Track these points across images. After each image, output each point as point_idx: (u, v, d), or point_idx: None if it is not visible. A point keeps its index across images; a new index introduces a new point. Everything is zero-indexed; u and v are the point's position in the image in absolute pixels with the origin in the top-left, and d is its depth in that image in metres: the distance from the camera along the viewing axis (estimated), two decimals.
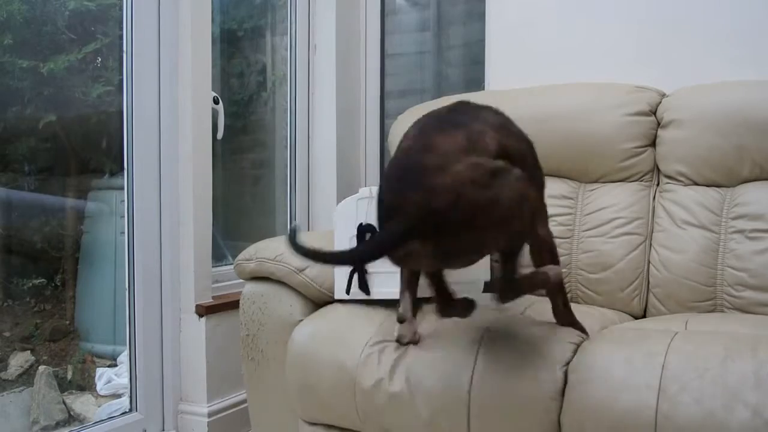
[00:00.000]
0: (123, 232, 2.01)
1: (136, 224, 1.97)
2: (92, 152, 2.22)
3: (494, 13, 2.34)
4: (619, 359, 1.21)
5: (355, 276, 1.51)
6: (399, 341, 1.39)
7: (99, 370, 2.18)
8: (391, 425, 1.38)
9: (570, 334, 1.34)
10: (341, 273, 1.56)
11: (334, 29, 2.55)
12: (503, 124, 1.29)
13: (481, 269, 1.50)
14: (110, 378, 2.15)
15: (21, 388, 2.03)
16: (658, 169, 1.84)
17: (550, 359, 1.26)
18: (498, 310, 1.56)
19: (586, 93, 1.93)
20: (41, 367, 2.06)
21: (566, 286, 1.81)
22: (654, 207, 1.80)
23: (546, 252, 1.31)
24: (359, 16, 2.68)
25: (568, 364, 1.25)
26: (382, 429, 1.40)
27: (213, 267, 2.12)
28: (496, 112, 1.30)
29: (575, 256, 1.79)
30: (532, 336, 1.34)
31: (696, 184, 1.77)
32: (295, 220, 2.58)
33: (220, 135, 2.18)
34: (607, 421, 1.13)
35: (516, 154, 1.21)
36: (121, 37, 1.97)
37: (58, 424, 2.02)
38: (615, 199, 1.81)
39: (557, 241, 1.79)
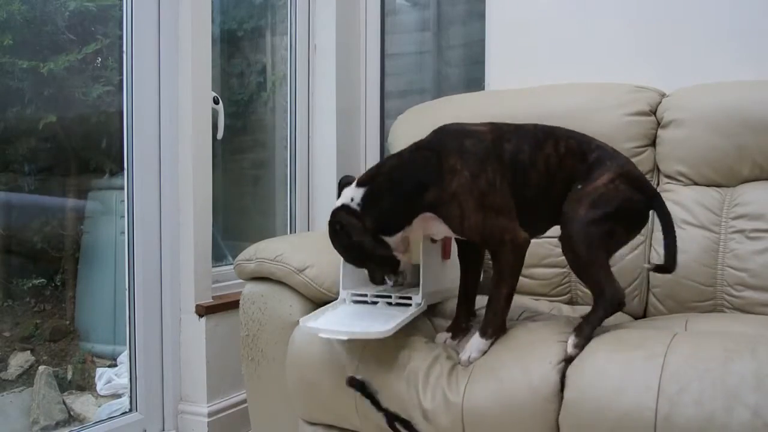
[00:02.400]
0: (123, 232, 2.01)
1: (136, 224, 1.97)
2: (92, 152, 2.22)
3: (494, 13, 2.34)
4: (619, 360, 1.21)
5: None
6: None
7: (99, 370, 2.18)
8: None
9: (563, 335, 1.33)
10: (335, 315, 1.50)
11: (334, 29, 2.55)
12: None
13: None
14: (110, 378, 2.15)
15: (21, 388, 2.03)
16: (658, 169, 1.84)
17: (543, 360, 1.25)
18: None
19: (586, 93, 1.93)
20: (41, 367, 2.06)
21: (566, 286, 1.82)
22: None
23: None
24: (359, 16, 2.68)
25: (561, 363, 1.25)
26: (381, 429, 1.40)
27: (213, 267, 2.12)
28: None
29: None
30: (525, 338, 1.34)
31: (696, 184, 1.77)
32: (295, 220, 2.58)
33: (220, 135, 2.18)
34: (606, 423, 1.13)
35: None
36: (121, 37, 1.97)
37: (58, 424, 2.02)
38: None
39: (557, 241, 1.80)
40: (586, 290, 1.78)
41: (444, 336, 1.45)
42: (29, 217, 2.11)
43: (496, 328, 1.35)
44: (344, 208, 1.39)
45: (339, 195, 1.43)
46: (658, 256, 1.72)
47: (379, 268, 1.41)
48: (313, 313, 1.52)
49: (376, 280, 1.43)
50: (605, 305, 1.29)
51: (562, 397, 1.21)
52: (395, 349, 1.39)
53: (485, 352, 1.33)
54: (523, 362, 1.26)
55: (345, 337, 1.36)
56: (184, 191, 2.00)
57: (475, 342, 1.35)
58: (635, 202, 1.35)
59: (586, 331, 1.26)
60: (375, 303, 1.52)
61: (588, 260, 1.30)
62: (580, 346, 1.24)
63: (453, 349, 1.41)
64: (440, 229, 1.38)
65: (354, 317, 1.45)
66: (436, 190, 1.31)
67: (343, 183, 1.46)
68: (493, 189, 1.31)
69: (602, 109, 1.85)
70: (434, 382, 1.32)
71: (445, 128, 1.40)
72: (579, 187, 1.34)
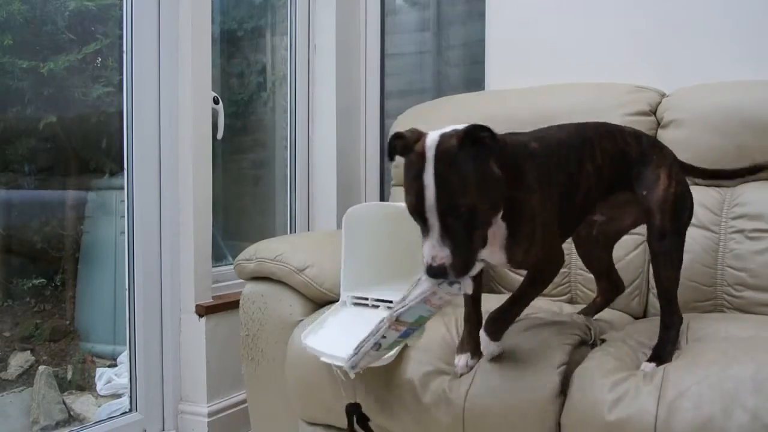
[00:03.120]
0: (123, 232, 2.01)
1: (136, 224, 1.97)
2: (92, 152, 2.22)
3: (494, 13, 2.34)
4: (620, 364, 1.22)
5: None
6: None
7: (99, 370, 2.18)
8: (390, 425, 1.39)
9: (565, 336, 1.34)
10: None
11: (334, 29, 2.55)
12: None
13: None
14: (110, 378, 2.15)
15: (21, 388, 2.03)
16: None
17: (545, 362, 1.26)
18: None
19: (586, 93, 1.93)
20: (41, 367, 2.06)
21: (566, 286, 1.82)
22: None
23: None
24: (359, 16, 2.68)
25: (563, 365, 1.25)
26: (381, 428, 1.40)
27: (213, 267, 2.12)
28: None
29: (575, 256, 1.78)
30: (528, 339, 1.34)
31: (696, 183, 1.76)
32: (295, 220, 2.58)
33: (220, 135, 2.18)
34: (607, 426, 1.13)
35: None
36: (121, 37, 1.97)
37: (58, 424, 2.02)
38: None
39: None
40: (586, 290, 1.78)
41: (464, 360, 1.31)
42: (29, 217, 2.11)
43: (502, 332, 1.28)
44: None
45: (390, 154, 1.12)
46: None
47: (479, 228, 1.07)
48: (314, 323, 1.52)
49: (467, 255, 1.05)
50: (677, 328, 1.31)
51: (563, 400, 1.22)
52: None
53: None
54: (525, 364, 1.27)
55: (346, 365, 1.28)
56: (184, 191, 2.00)
57: (488, 345, 1.27)
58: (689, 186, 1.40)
59: (666, 357, 1.25)
60: (376, 307, 1.52)
61: (674, 282, 1.33)
62: (662, 363, 1.23)
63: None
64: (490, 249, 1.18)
65: (355, 330, 1.40)
66: (518, 193, 1.15)
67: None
68: (554, 215, 1.23)
69: (602, 109, 1.85)
70: (436, 381, 1.32)
71: (512, 143, 1.19)
72: (644, 193, 1.32)
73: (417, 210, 1.04)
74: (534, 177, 1.18)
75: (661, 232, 1.30)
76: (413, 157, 1.06)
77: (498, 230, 1.15)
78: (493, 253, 1.18)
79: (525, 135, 1.27)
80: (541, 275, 1.27)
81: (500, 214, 1.12)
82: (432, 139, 1.05)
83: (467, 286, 1.08)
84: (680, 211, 1.34)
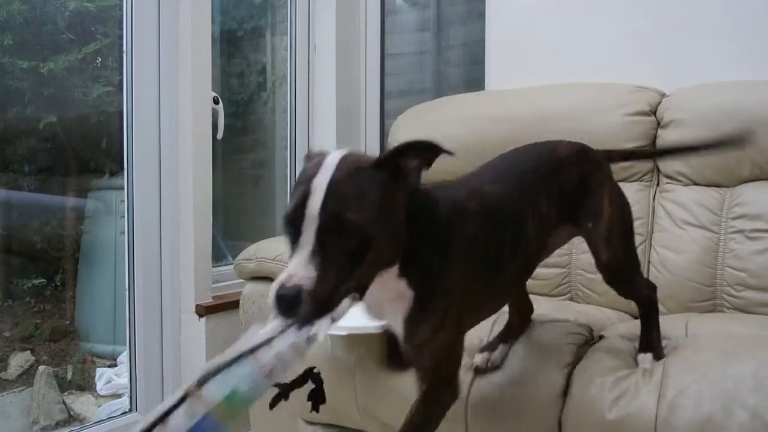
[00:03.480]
0: (123, 232, 2.01)
1: (136, 224, 1.97)
2: (92, 152, 2.23)
3: (494, 13, 2.34)
4: (620, 363, 1.22)
5: None
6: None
7: (99, 370, 2.18)
8: (391, 420, 1.38)
9: (570, 336, 1.34)
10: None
11: (334, 29, 2.55)
12: None
13: None
14: (110, 378, 2.15)
15: (21, 388, 2.03)
16: (658, 169, 1.84)
17: (550, 362, 1.26)
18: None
19: (586, 93, 1.93)
20: (41, 367, 2.06)
21: (566, 286, 1.82)
22: (654, 207, 1.79)
23: None
24: (359, 16, 2.68)
25: (568, 366, 1.25)
26: (382, 424, 1.40)
27: (213, 267, 2.11)
28: None
29: (575, 256, 1.79)
30: (534, 339, 1.34)
31: (696, 184, 1.77)
32: None
33: (220, 135, 2.18)
34: (607, 425, 1.13)
35: None
36: (121, 37, 1.97)
37: (58, 424, 2.02)
38: None
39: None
40: (586, 290, 1.78)
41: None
42: (29, 217, 2.12)
43: None
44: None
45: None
46: (657, 255, 1.73)
47: (361, 265, 0.85)
48: None
49: (334, 288, 0.83)
50: (655, 305, 1.28)
51: (565, 399, 1.22)
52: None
53: None
54: (531, 362, 1.27)
55: (344, 332, 1.33)
56: (184, 191, 2.00)
57: None
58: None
59: (657, 347, 1.23)
60: None
61: (634, 280, 1.29)
62: (659, 356, 1.21)
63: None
64: (387, 306, 0.99)
65: (352, 314, 1.44)
66: (440, 261, 0.97)
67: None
68: (476, 296, 1.05)
69: (602, 109, 1.85)
70: None
71: (446, 201, 1.01)
72: (590, 225, 1.19)
73: (292, 218, 0.82)
74: (464, 244, 0.99)
75: (611, 266, 1.20)
76: (308, 165, 0.88)
77: (403, 297, 0.96)
78: (395, 323, 1.00)
79: (461, 189, 1.06)
80: (435, 392, 1.03)
81: (394, 269, 0.93)
82: (340, 154, 0.88)
83: (316, 336, 0.81)
84: (627, 230, 1.25)
